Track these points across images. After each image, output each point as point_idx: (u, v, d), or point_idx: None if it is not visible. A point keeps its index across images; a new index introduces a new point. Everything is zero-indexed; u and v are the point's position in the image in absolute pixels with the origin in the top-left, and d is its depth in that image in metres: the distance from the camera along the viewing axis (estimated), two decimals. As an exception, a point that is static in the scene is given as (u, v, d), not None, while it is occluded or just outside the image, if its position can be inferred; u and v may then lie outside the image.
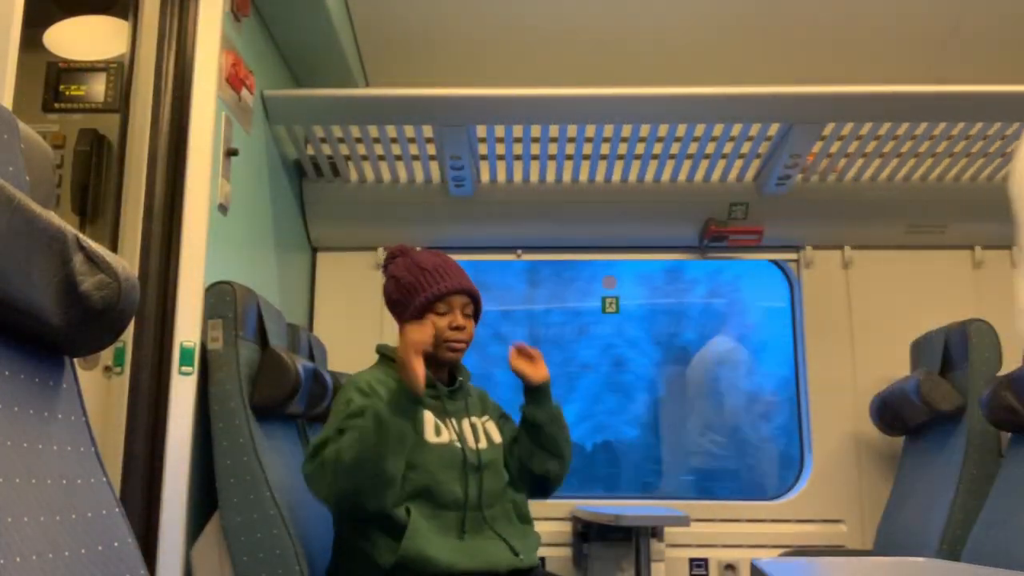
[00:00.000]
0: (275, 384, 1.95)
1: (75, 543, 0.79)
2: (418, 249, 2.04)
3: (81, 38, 2.00)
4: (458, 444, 1.86)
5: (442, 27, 2.74)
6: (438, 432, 1.85)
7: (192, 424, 1.81)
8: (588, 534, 2.69)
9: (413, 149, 2.79)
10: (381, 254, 3.03)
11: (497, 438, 1.98)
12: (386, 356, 1.96)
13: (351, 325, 2.96)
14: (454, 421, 1.90)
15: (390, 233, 3.01)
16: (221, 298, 1.91)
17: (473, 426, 1.94)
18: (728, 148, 2.74)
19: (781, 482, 3.13)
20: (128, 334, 1.76)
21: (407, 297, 1.91)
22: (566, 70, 2.85)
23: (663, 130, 2.65)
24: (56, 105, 1.95)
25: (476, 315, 1.95)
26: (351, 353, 2.89)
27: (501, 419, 2.06)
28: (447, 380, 1.98)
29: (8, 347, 0.79)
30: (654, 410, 3.75)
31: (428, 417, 1.84)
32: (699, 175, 2.89)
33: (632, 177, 2.90)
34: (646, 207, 2.96)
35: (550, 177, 2.90)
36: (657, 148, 2.73)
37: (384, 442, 1.64)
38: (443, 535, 1.76)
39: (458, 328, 1.89)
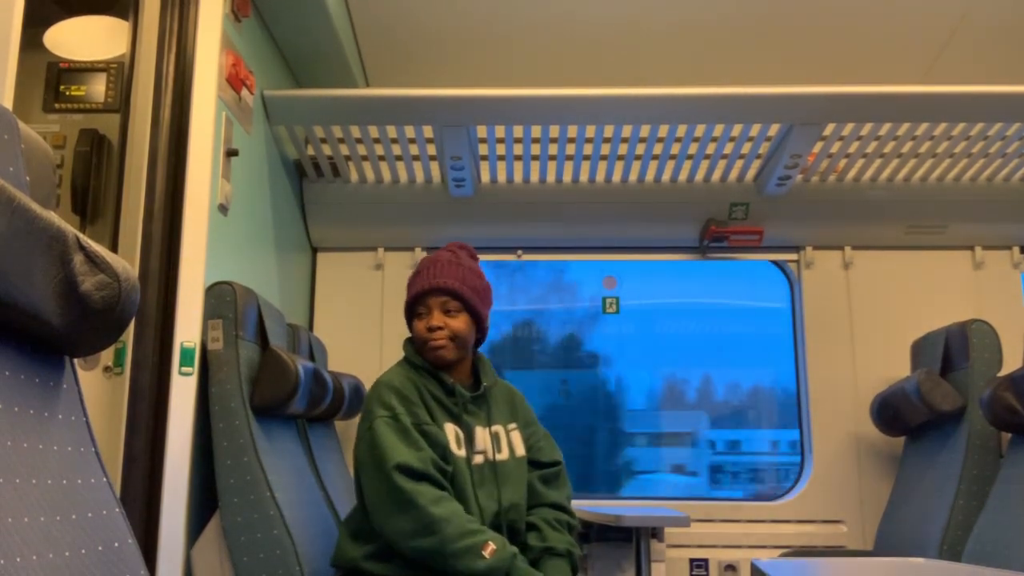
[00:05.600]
0: (275, 384, 1.95)
1: (75, 543, 0.79)
2: (445, 247, 1.98)
3: (81, 38, 2.00)
4: (476, 458, 1.82)
5: (442, 27, 2.74)
6: (459, 444, 1.81)
7: (192, 424, 1.81)
8: (589, 534, 2.68)
9: (413, 149, 2.79)
10: (381, 254, 3.03)
11: (520, 450, 1.92)
12: (411, 361, 1.91)
13: (351, 325, 2.97)
14: (474, 430, 1.85)
15: (390, 233, 3.02)
16: (221, 298, 1.91)
17: (495, 435, 1.89)
18: (728, 148, 2.74)
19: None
20: (128, 334, 1.76)
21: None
22: (566, 70, 2.85)
23: (663, 130, 2.65)
24: (56, 105, 1.94)
25: (471, 309, 1.87)
26: (351, 353, 2.91)
27: (528, 427, 1.99)
28: (471, 384, 1.93)
29: (8, 347, 0.79)
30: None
31: (449, 428, 1.82)
32: (699, 175, 2.89)
33: (632, 177, 2.90)
34: (646, 207, 2.95)
35: (550, 177, 2.90)
36: (657, 148, 2.73)
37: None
38: None
39: (433, 329, 1.84)
